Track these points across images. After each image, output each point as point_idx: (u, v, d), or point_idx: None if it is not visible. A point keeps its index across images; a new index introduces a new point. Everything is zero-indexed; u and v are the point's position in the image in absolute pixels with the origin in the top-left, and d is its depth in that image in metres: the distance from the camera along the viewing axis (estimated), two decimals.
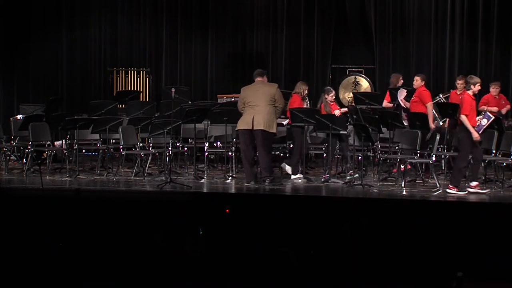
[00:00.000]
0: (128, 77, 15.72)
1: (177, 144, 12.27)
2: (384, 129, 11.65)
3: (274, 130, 11.01)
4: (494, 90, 12.42)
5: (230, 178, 11.51)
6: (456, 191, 10.37)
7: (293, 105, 11.75)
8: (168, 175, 10.94)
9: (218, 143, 12.56)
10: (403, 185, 10.82)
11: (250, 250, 8.15)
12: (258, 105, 10.95)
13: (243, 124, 11.03)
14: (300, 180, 11.40)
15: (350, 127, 11.51)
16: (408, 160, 11.11)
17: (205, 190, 10.96)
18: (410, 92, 12.27)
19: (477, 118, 10.69)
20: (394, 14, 15.07)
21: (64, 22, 15.99)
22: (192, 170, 11.84)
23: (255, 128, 10.92)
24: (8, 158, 12.57)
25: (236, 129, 11.27)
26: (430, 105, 11.71)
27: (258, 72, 11.41)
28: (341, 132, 11.27)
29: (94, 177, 11.68)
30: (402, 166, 11.14)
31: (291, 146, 12.00)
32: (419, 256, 8.12)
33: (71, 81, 16.04)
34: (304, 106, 11.90)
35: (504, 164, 10.94)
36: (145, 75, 15.69)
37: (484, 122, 10.78)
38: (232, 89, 15.22)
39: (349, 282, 7.65)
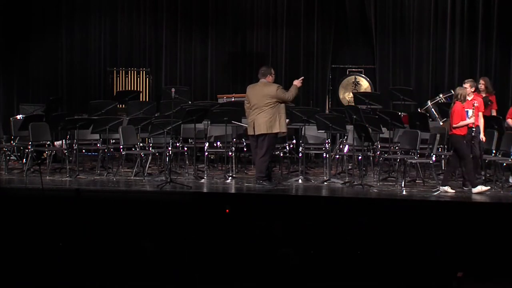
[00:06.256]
0: (128, 77, 15.70)
1: (177, 144, 12.27)
2: (384, 129, 11.65)
3: (277, 130, 10.88)
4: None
5: (230, 178, 11.51)
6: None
7: (453, 117, 10.55)
8: (168, 175, 10.94)
9: (218, 143, 12.55)
10: (403, 185, 10.82)
11: (250, 250, 8.15)
12: (258, 108, 10.88)
13: (249, 128, 11.05)
14: (482, 189, 10.49)
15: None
16: (408, 160, 11.11)
17: (205, 190, 10.96)
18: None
19: None
20: (394, 14, 15.03)
21: (64, 22, 15.97)
22: (192, 170, 11.84)
23: (256, 133, 10.90)
24: (8, 158, 12.56)
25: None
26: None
27: (261, 72, 11.19)
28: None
29: (94, 177, 11.68)
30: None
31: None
32: (419, 256, 8.12)
33: (71, 81, 16.01)
34: (470, 112, 10.64)
35: (504, 164, 10.93)
36: (145, 75, 15.68)
37: None
38: (232, 89, 15.23)
39: (349, 282, 7.64)
